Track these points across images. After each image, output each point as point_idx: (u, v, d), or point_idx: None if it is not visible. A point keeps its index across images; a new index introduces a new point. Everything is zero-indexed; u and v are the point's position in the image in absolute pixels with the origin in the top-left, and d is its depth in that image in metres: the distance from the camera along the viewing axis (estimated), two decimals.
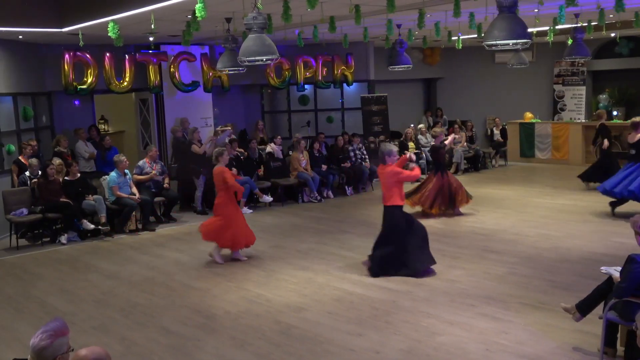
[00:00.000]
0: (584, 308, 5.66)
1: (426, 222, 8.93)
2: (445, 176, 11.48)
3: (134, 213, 11.31)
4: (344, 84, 16.82)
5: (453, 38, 13.80)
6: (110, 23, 8.93)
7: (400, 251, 8.07)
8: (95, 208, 10.96)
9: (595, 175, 13.24)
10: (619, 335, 5.43)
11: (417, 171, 8.40)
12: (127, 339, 6.41)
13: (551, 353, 5.60)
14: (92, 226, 10.93)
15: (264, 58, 7.26)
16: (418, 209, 11.48)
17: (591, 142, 13.83)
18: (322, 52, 15.96)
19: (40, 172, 10.90)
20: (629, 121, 11.05)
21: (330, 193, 14.11)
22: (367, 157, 14.90)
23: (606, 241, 9.26)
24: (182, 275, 8.64)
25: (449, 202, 11.45)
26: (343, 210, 12.70)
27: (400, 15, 10.40)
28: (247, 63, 7.54)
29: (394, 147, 8.44)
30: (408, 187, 10.76)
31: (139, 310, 7.28)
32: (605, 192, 11.01)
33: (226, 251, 9.32)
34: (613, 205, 11.05)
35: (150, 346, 6.22)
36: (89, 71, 12.86)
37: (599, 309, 5.60)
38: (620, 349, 5.44)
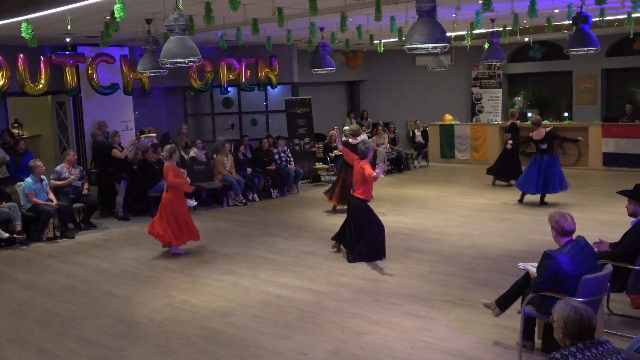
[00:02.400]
0: (503, 303, 5.86)
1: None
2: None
3: (51, 220, 10.91)
4: (268, 87, 16.83)
5: (375, 41, 14.02)
6: (23, 23, 8.58)
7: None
8: (9, 216, 10.50)
9: (501, 172, 14.28)
10: (536, 328, 5.64)
11: (369, 171, 8.58)
12: (45, 351, 6.17)
13: (472, 348, 5.76)
14: (7, 235, 10.47)
15: (186, 60, 7.19)
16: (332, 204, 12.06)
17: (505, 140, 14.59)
18: (245, 55, 15.90)
19: None
20: (530, 119, 11.66)
21: (255, 196, 14.05)
22: (292, 159, 14.90)
23: (523, 238, 9.61)
24: (103, 283, 8.39)
25: None
26: (269, 213, 12.67)
27: (322, 18, 10.50)
28: (168, 65, 7.45)
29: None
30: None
31: (58, 321, 7.02)
32: (524, 190, 12.01)
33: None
34: (522, 197, 12.19)
35: (70, 358, 6.00)
36: (0, 73, 12.33)
37: (517, 304, 5.81)
38: (538, 341, 5.66)
